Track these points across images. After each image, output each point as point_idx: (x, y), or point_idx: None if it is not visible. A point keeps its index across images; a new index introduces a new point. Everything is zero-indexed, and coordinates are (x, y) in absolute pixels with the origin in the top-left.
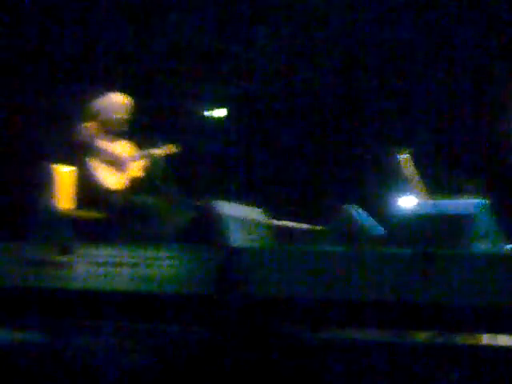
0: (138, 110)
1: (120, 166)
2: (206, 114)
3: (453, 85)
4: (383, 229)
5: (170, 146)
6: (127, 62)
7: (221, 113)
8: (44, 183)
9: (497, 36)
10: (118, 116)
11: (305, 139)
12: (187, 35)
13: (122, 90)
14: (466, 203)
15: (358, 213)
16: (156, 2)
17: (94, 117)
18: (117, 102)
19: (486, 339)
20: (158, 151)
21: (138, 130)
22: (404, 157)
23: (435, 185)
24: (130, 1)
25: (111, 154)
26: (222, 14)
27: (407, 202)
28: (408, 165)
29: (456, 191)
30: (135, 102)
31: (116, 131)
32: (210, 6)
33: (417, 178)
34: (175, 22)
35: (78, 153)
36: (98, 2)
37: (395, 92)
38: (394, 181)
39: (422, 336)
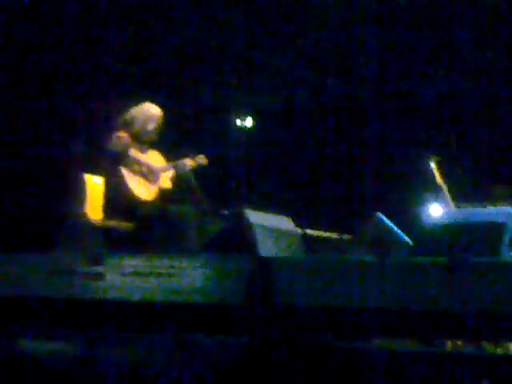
0: (170, 120)
1: (151, 176)
2: (237, 123)
3: (482, 91)
4: (409, 238)
5: (201, 157)
6: (159, 72)
7: (250, 122)
8: (75, 193)
9: None
10: (151, 126)
11: (332, 149)
12: (218, 45)
13: (154, 99)
14: (496, 211)
15: (386, 221)
16: (192, 13)
17: (127, 127)
18: (150, 112)
19: None
20: (189, 162)
21: (169, 140)
22: (432, 165)
23: (463, 193)
24: (171, 13)
25: (143, 165)
26: (252, 27)
27: (435, 211)
28: (436, 173)
29: (484, 199)
30: (167, 112)
31: (148, 141)
32: (242, 19)
33: (445, 186)
34: (206, 32)
35: (110, 162)
36: (142, 16)
37: (424, 100)
38: (421, 189)
39: (452, 344)
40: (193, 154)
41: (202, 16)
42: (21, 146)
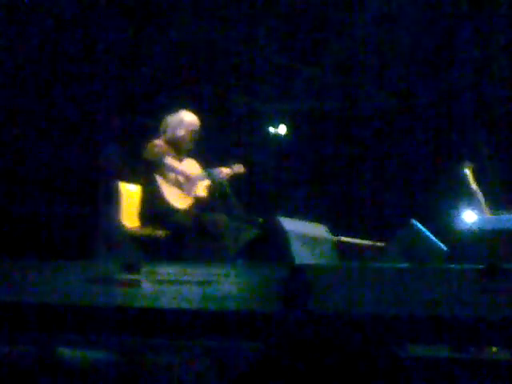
0: (205, 128)
1: (187, 184)
2: (271, 130)
3: None
4: (444, 245)
5: (238, 165)
6: (195, 81)
7: (283, 129)
8: (111, 201)
9: None
10: (186, 133)
11: (366, 156)
12: (251, 54)
13: (190, 107)
14: None
15: (421, 228)
16: (229, 25)
17: (162, 135)
18: (184, 119)
19: None
20: (226, 171)
21: (205, 149)
22: (466, 172)
23: (498, 200)
24: (211, 23)
25: (179, 173)
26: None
27: (469, 218)
28: (470, 179)
29: None
30: (202, 120)
31: (184, 149)
32: (275, 29)
33: (479, 192)
34: (241, 42)
35: (145, 171)
36: (181, 28)
37: (458, 107)
38: (455, 196)
39: (489, 352)
40: (229, 162)
41: (236, 26)
42: (59, 155)
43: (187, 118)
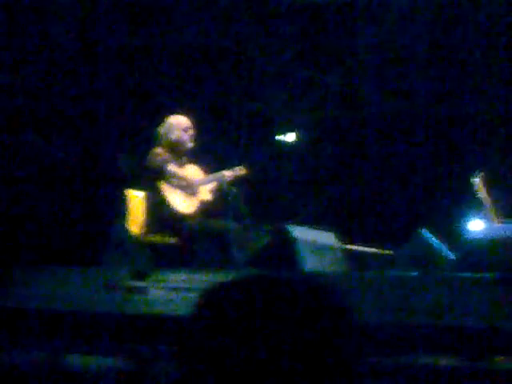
0: (208, 133)
1: (190, 189)
2: (277, 138)
3: None
4: (453, 253)
5: (240, 168)
6: (200, 86)
7: (291, 137)
8: (118, 208)
9: None
10: (182, 134)
11: (374, 165)
12: (261, 59)
13: (195, 113)
14: None
15: (430, 236)
16: (240, 32)
17: (163, 141)
18: (175, 121)
19: None
20: (228, 173)
21: (207, 154)
22: (476, 180)
23: (508, 208)
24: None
25: (181, 178)
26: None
27: (477, 226)
28: (480, 188)
29: None
30: (205, 125)
31: (185, 149)
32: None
33: (489, 201)
34: (245, 45)
35: (150, 179)
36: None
37: (468, 115)
38: (465, 204)
39: (503, 361)
40: (232, 165)
41: (245, 34)
42: (66, 162)
43: (176, 120)
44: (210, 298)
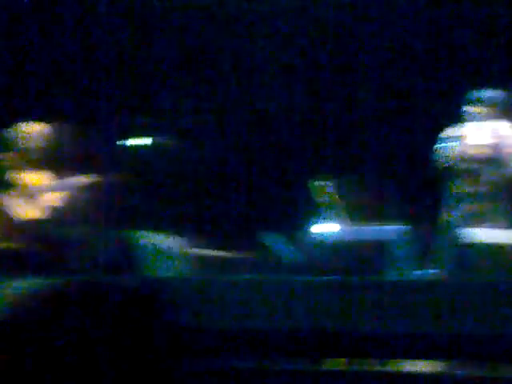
0: (63, 140)
1: (33, 196)
2: (128, 143)
3: None
4: (301, 256)
5: (113, 175)
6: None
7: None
8: None
9: None
10: (35, 146)
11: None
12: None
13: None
14: (387, 229)
15: (274, 240)
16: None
17: (9, 147)
18: (34, 131)
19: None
20: (82, 180)
21: (58, 160)
22: (320, 184)
23: (361, 211)
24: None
25: (24, 185)
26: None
27: (326, 229)
28: (322, 192)
29: (380, 217)
30: (56, 131)
31: (33, 161)
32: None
33: (338, 204)
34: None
35: None
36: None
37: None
38: (312, 208)
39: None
40: (84, 171)
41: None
42: None
43: (38, 130)
44: (19, 304)
